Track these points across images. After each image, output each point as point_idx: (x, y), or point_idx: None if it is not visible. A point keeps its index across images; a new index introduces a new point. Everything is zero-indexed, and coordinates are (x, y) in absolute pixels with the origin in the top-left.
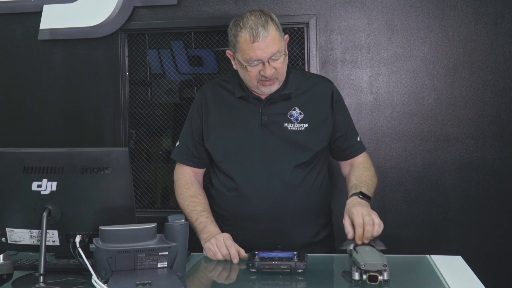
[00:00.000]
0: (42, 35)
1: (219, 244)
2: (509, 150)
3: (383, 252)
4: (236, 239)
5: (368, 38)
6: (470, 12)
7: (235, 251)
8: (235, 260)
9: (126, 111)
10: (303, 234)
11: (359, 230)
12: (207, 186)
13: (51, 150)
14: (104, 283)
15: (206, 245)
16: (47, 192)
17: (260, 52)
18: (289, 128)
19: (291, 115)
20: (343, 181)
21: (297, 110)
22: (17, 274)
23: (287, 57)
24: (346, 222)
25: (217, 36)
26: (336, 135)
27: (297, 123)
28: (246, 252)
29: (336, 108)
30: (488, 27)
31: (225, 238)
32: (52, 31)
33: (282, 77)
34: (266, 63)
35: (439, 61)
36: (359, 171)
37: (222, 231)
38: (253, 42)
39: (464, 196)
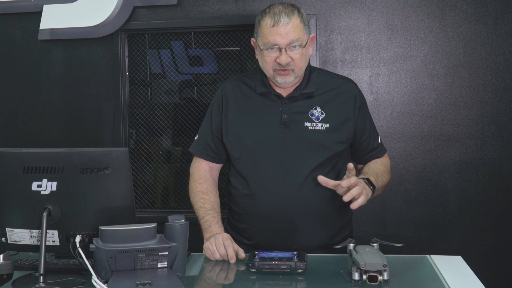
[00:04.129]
0: (42, 35)
1: (218, 244)
2: (509, 150)
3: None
4: (252, 238)
5: (368, 38)
6: (470, 12)
7: (233, 252)
8: (232, 260)
9: (126, 111)
10: (320, 235)
11: (345, 182)
12: (226, 184)
13: (51, 150)
14: (104, 283)
15: (205, 245)
16: (47, 192)
17: (279, 37)
18: (309, 128)
19: (312, 114)
20: None
21: (319, 109)
22: (17, 274)
23: (308, 53)
24: (344, 182)
25: (217, 36)
26: (361, 139)
27: (318, 122)
28: (246, 252)
29: (360, 111)
30: (488, 27)
31: (224, 238)
32: (52, 31)
33: (298, 70)
34: (283, 50)
35: (439, 61)
36: (373, 164)
37: (239, 229)
38: (273, 26)
39: (464, 196)
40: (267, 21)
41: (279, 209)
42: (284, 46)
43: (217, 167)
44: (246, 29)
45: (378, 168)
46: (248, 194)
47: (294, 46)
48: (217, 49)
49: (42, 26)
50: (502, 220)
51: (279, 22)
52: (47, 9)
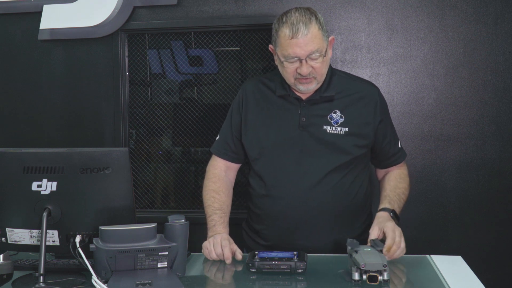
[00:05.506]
0: (42, 35)
1: (215, 243)
2: (509, 150)
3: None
4: (268, 239)
5: (368, 38)
6: (470, 12)
7: (229, 252)
8: (228, 261)
9: (126, 111)
10: (336, 237)
11: (390, 242)
12: (246, 185)
13: (51, 150)
14: (104, 283)
15: (204, 244)
16: (47, 192)
17: (299, 49)
18: (328, 131)
19: (331, 118)
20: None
21: (338, 113)
22: (17, 274)
23: (328, 58)
24: (375, 231)
25: (217, 36)
26: (383, 143)
27: (337, 126)
28: (246, 252)
29: (381, 116)
30: (488, 27)
31: (223, 238)
32: (52, 31)
33: (320, 77)
34: (304, 61)
35: (439, 61)
36: (395, 181)
37: (256, 230)
38: (292, 38)
39: (464, 196)
40: (285, 32)
41: (295, 210)
42: (304, 58)
43: (234, 167)
44: (246, 29)
45: (400, 187)
46: (265, 195)
47: (315, 57)
48: (217, 49)
49: (42, 26)
50: (502, 220)
51: (297, 34)
52: (47, 9)
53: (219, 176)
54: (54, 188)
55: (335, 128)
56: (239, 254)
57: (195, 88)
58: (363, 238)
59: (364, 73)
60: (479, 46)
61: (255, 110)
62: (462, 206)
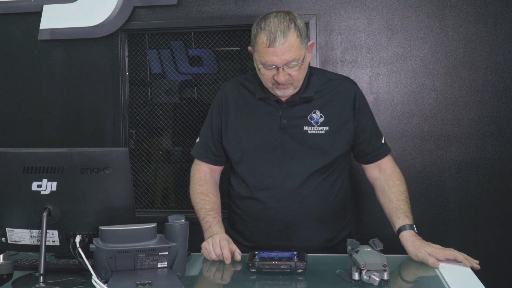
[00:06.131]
0: (42, 35)
1: (214, 244)
2: (509, 150)
3: (383, 252)
4: (251, 240)
5: (368, 38)
6: (470, 12)
7: (228, 253)
8: (227, 261)
9: (126, 111)
10: (318, 237)
11: (460, 258)
12: (227, 185)
13: (51, 150)
14: (104, 283)
15: (203, 244)
16: (47, 192)
17: (275, 57)
18: (308, 132)
19: (312, 118)
20: (364, 185)
21: (318, 112)
22: (17, 274)
23: (306, 64)
24: (424, 258)
25: (217, 36)
26: (360, 139)
27: (317, 126)
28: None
29: (359, 111)
30: (488, 27)
31: (221, 238)
32: (52, 31)
33: (297, 83)
34: (280, 69)
35: (439, 61)
36: (396, 187)
37: (238, 230)
38: (269, 46)
39: (464, 196)
40: (263, 40)
41: (278, 212)
42: (281, 66)
43: (218, 169)
44: (246, 29)
45: (402, 191)
46: (248, 197)
47: (292, 65)
48: (217, 49)
49: (42, 26)
50: (502, 220)
51: (275, 42)
52: (47, 9)
53: (205, 179)
54: (54, 188)
55: (316, 128)
56: (238, 255)
57: (195, 88)
58: (345, 238)
59: (364, 73)
60: (479, 46)
61: (236, 112)
62: (462, 206)
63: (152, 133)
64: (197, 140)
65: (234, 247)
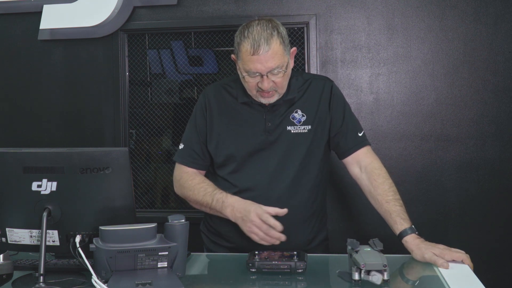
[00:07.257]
0: (42, 35)
1: (263, 228)
2: (509, 150)
3: (383, 252)
4: (233, 241)
5: (368, 38)
6: (470, 12)
7: (277, 234)
8: (283, 238)
9: (126, 111)
10: (299, 239)
11: (464, 258)
12: None
13: (51, 150)
14: (104, 283)
15: (246, 230)
16: (47, 192)
17: (259, 65)
18: (292, 131)
19: (294, 118)
20: (338, 184)
21: (300, 112)
22: (17, 274)
23: (289, 71)
24: (432, 259)
25: (217, 36)
26: (333, 132)
27: (300, 125)
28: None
29: (333, 105)
30: (488, 27)
31: (258, 214)
32: (52, 31)
33: (281, 90)
34: (265, 77)
35: (439, 61)
36: (380, 187)
37: (219, 232)
38: (253, 54)
39: (464, 196)
40: (246, 48)
41: None
42: (265, 73)
43: (203, 172)
44: None
45: (393, 190)
46: None
47: (276, 72)
48: (217, 49)
49: (42, 26)
50: (502, 220)
51: (259, 50)
52: (47, 9)
53: (194, 174)
54: (54, 188)
55: (299, 127)
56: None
57: (195, 88)
58: (322, 239)
59: (364, 73)
60: (479, 46)
61: (219, 117)
62: (462, 206)
63: (152, 133)
64: (181, 146)
65: (272, 220)
